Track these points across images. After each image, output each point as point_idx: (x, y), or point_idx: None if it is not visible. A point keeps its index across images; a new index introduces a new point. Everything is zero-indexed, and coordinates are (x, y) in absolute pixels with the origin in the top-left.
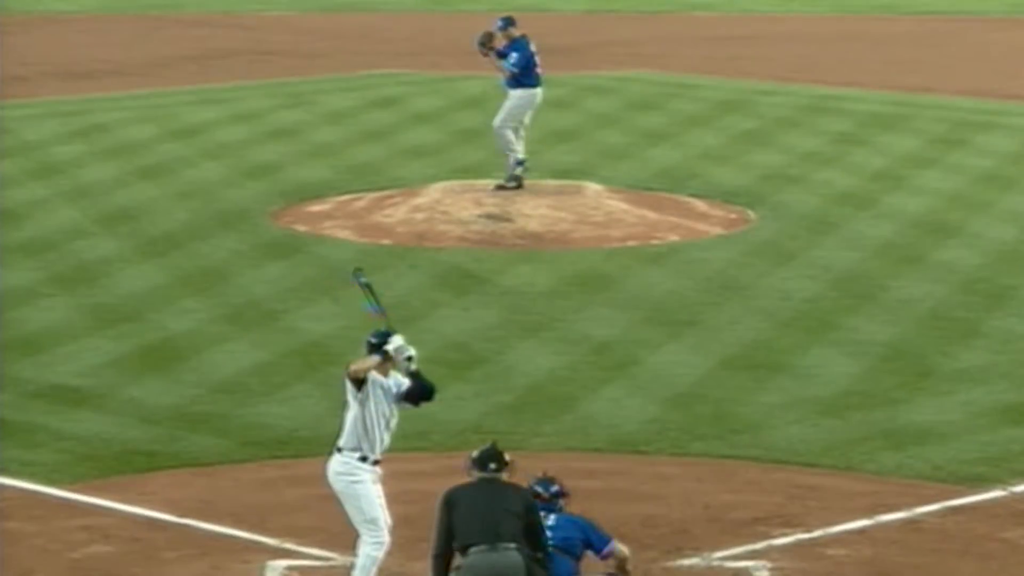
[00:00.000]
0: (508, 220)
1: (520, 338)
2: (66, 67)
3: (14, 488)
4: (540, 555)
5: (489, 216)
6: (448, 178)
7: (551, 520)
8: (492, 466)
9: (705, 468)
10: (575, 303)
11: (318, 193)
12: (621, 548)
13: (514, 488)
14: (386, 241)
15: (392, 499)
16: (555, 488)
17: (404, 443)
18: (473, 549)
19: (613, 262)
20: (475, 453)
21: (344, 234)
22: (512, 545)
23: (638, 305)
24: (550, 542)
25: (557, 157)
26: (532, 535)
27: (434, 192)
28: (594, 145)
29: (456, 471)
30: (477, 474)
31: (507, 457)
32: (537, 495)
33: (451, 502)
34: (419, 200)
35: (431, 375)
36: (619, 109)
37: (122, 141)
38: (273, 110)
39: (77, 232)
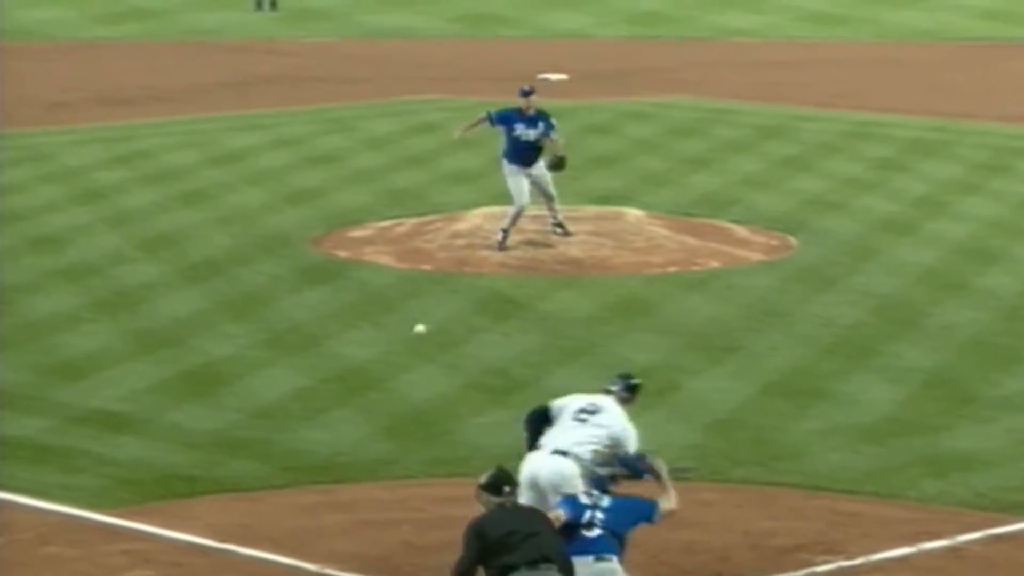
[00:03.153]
0: (549, 246)
1: (560, 364)
2: (108, 93)
3: (55, 513)
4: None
5: (530, 242)
6: (489, 204)
7: (606, 502)
8: (507, 489)
9: (746, 495)
10: (615, 329)
11: (359, 219)
12: (665, 507)
13: (530, 509)
14: (426, 267)
15: (431, 525)
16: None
17: (444, 469)
18: (514, 573)
19: (654, 288)
20: (485, 479)
21: (385, 259)
22: (553, 566)
23: (679, 331)
24: (604, 525)
25: (598, 183)
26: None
27: (475, 218)
28: (635, 171)
29: None
30: (492, 499)
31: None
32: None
33: (483, 532)
34: (460, 226)
35: (471, 401)
36: (660, 135)
37: (164, 167)
38: (314, 136)
39: (119, 257)
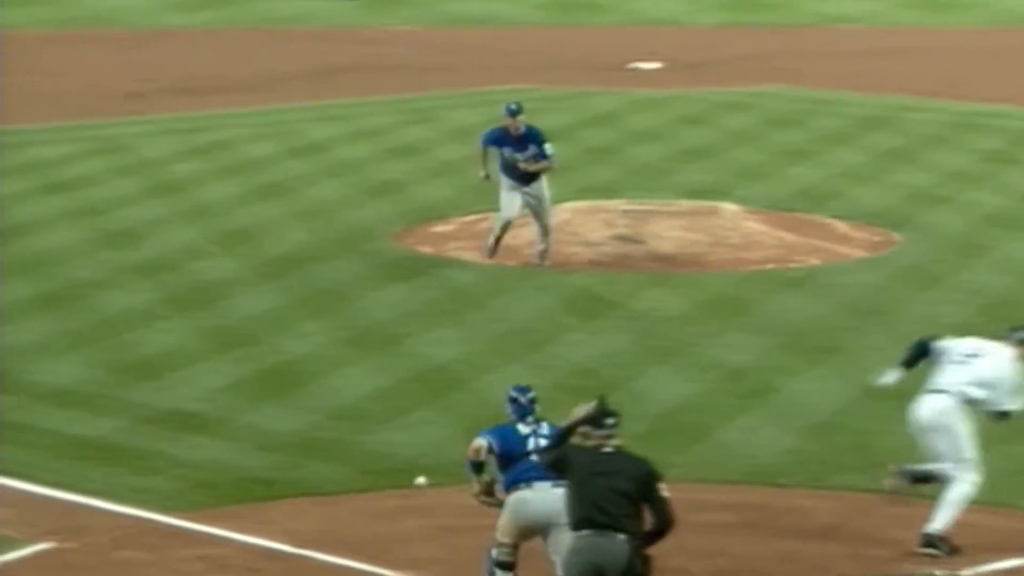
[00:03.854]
0: (640, 242)
1: (652, 364)
2: (185, 83)
3: (128, 516)
4: (656, 529)
5: (620, 238)
6: (577, 198)
7: (545, 429)
8: (610, 422)
9: (846, 502)
10: (709, 328)
11: (442, 213)
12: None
13: (629, 460)
14: (512, 263)
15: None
16: (532, 395)
17: None
18: (580, 532)
19: (750, 286)
20: (585, 409)
21: (469, 256)
22: (620, 534)
23: (776, 331)
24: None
25: (691, 176)
26: (647, 511)
27: (563, 212)
28: (730, 164)
29: None
30: (594, 433)
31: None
32: (514, 400)
33: (567, 456)
34: (548, 221)
35: (557, 403)
36: (756, 126)
37: (242, 159)
38: (396, 127)
39: (195, 252)
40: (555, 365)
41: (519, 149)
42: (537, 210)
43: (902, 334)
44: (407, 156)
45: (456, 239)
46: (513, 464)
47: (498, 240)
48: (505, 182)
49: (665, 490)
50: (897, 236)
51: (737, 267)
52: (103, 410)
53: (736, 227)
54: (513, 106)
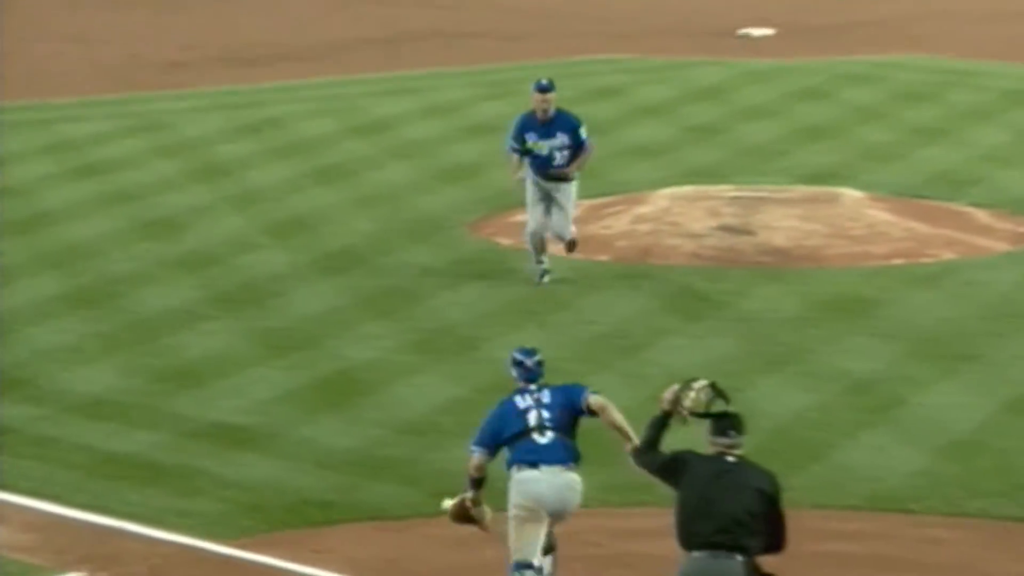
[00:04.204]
0: (749, 233)
1: (763, 373)
2: (233, 52)
3: (170, 543)
4: (772, 549)
5: (727, 228)
6: (678, 183)
7: (546, 398)
8: (732, 433)
9: (986, 531)
10: (829, 332)
11: (524, 200)
12: (596, 398)
13: (754, 473)
14: (603, 257)
15: (608, 562)
16: (538, 357)
17: (624, 496)
18: (694, 553)
19: (875, 284)
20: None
21: (555, 248)
22: (737, 556)
23: (905, 335)
24: (549, 423)
25: (809, 158)
26: (768, 532)
27: (661, 199)
28: (853, 144)
29: None
30: (715, 441)
31: (743, 423)
32: (519, 364)
33: (685, 461)
34: (644, 209)
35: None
36: (884, 101)
37: (297, 138)
38: (473, 102)
39: (244, 244)
40: (651, 374)
41: (544, 135)
42: (555, 222)
43: None
44: (485, 135)
45: None
46: (513, 445)
47: (540, 260)
48: (530, 177)
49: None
50: None
51: (860, 262)
52: (141, 423)
53: (859, 216)
54: (544, 81)
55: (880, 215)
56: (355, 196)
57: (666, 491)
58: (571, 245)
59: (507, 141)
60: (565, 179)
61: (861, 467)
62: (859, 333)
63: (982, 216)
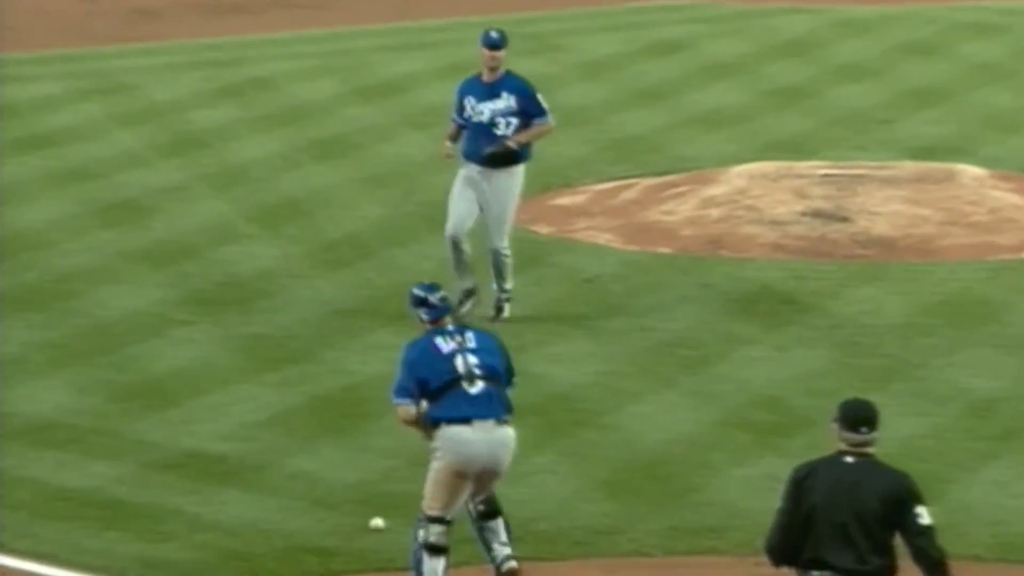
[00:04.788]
0: (844, 220)
1: (861, 391)
2: None
3: None
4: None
5: (817, 214)
6: (757, 158)
7: (473, 341)
8: (864, 430)
9: None
10: (943, 341)
11: (567, 179)
12: None
13: (882, 476)
14: (665, 249)
15: None
16: (442, 292)
17: (687, 543)
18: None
19: (1000, 283)
20: (842, 407)
21: (605, 238)
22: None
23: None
24: (480, 371)
25: (917, 128)
26: (889, 541)
27: (736, 178)
28: (973, 110)
29: None
30: (844, 435)
31: (877, 415)
32: (421, 302)
33: (805, 484)
34: (714, 190)
35: (729, 444)
36: (1011, 56)
37: (289, 103)
38: (506, 62)
39: (225, 233)
40: (724, 392)
41: (485, 96)
42: (490, 222)
43: None
44: None
45: (587, 215)
46: (439, 396)
47: (462, 277)
48: (461, 166)
49: (927, 516)
50: None
51: (982, 255)
52: (100, 451)
53: (981, 199)
54: (494, 34)
55: (1006, 197)
56: (361, 174)
57: (743, 536)
58: (499, 309)
59: (450, 115)
60: (506, 160)
61: (983, 507)
62: (980, 343)
63: None
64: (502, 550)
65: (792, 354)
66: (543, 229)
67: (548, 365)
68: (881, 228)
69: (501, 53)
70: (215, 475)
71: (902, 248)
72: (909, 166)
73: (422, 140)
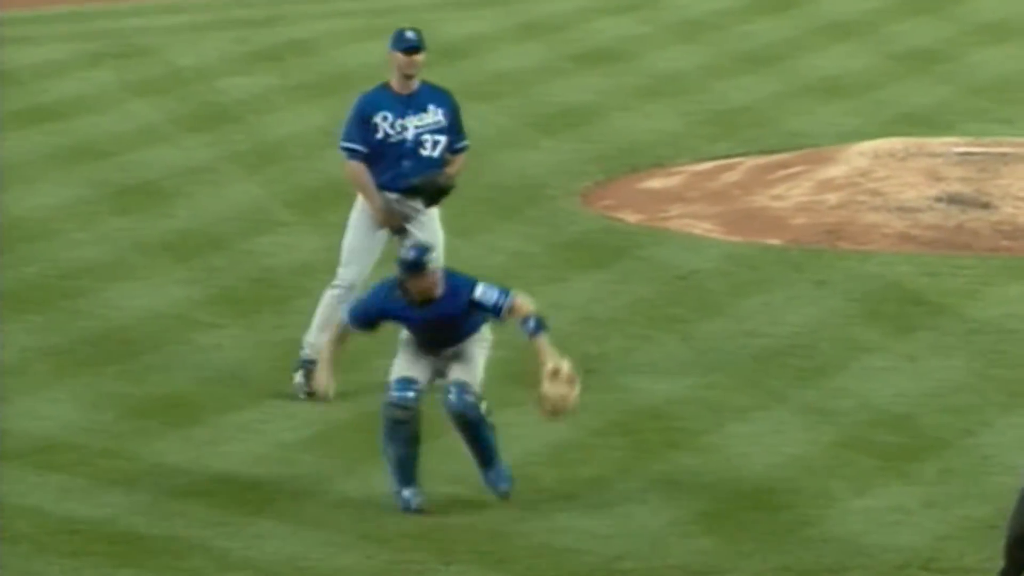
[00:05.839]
0: (986, 206)
1: (1007, 409)
2: None
3: None
4: None
5: (954, 199)
6: (883, 133)
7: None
8: None
9: None
10: None
11: (659, 158)
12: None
13: None
14: (774, 240)
15: None
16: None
17: None
18: None
19: None
20: None
21: (703, 227)
22: None
23: None
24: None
25: None
26: None
27: (858, 157)
28: None
29: None
30: None
31: None
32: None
33: None
34: (832, 171)
35: (851, 469)
36: None
37: (334, 70)
38: (586, 17)
39: (259, 222)
40: (844, 409)
41: (407, 111)
42: None
43: None
44: (605, 65)
45: (681, 200)
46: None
47: (309, 362)
48: (360, 211)
49: None
50: None
51: None
52: (112, 476)
53: None
54: (411, 34)
55: None
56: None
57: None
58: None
59: (343, 140)
60: (436, 192)
61: None
62: None
63: None
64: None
65: (924, 364)
66: (630, 217)
67: (637, 377)
68: None
69: (421, 57)
70: (247, 504)
71: None
72: None
73: (490, 112)
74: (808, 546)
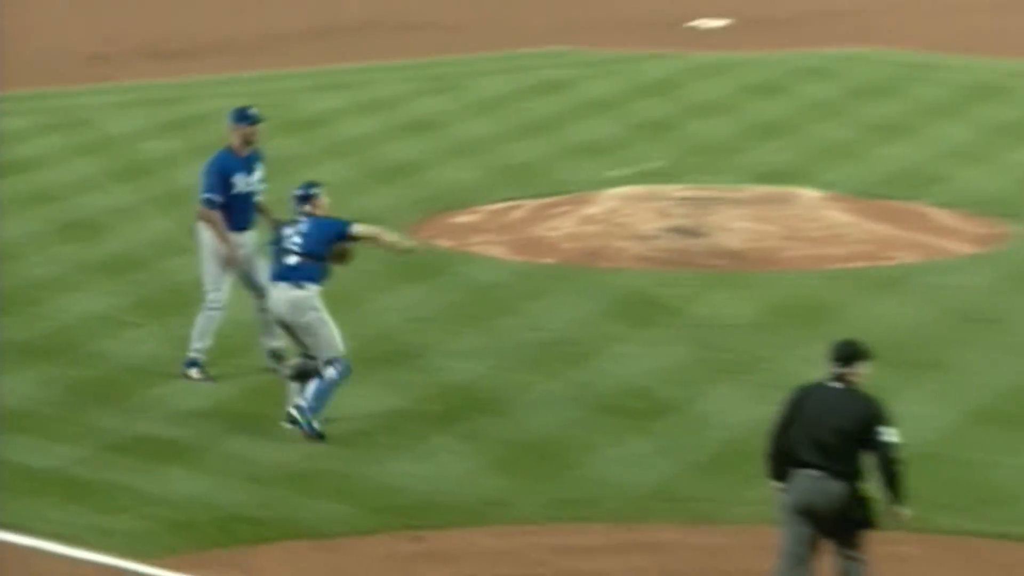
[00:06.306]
0: (702, 235)
1: (716, 382)
2: (157, 44)
3: (90, 562)
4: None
5: (678, 230)
6: (626, 183)
7: (304, 227)
8: (838, 362)
9: (951, 549)
10: (785, 339)
11: (465, 200)
12: (363, 228)
13: (855, 399)
14: (549, 260)
15: None
16: (311, 191)
17: (569, 512)
18: (799, 471)
19: (833, 288)
20: (833, 345)
21: (497, 251)
22: (834, 479)
23: (865, 342)
24: (298, 248)
25: (764, 156)
26: (864, 455)
27: (609, 199)
28: (810, 141)
29: (636, 547)
30: (832, 369)
31: (862, 353)
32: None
33: (796, 399)
34: (591, 209)
35: (604, 428)
36: (842, 96)
37: (224, 136)
38: (411, 97)
39: (169, 247)
40: (599, 383)
41: (247, 170)
42: (250, 275)
43: (1017, 345)
44: (423, 132)
45: (481, 231)
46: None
47: (198, 355)
48: (210, 253)
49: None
50: (1012, 228)
51: (818, 265)
52: (61, 436)
53: (817, 217)
54: (252, 111)
55: (838, 216)
56: (287, 197)
57: (614, 505)
58: (276, 357)
59: (206, 192)
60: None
61: None
62: (817, 340)
63: (944, 217)
64: (298, 400)
65: (658, 349)
66: (444, 243)
67: (448, 359)
68: (733, 242)
69: (263, 128)
70: (161, 456)
71: (750, 259)
72: (755, 189)
73: (340, 167)
74: (575, 484)
